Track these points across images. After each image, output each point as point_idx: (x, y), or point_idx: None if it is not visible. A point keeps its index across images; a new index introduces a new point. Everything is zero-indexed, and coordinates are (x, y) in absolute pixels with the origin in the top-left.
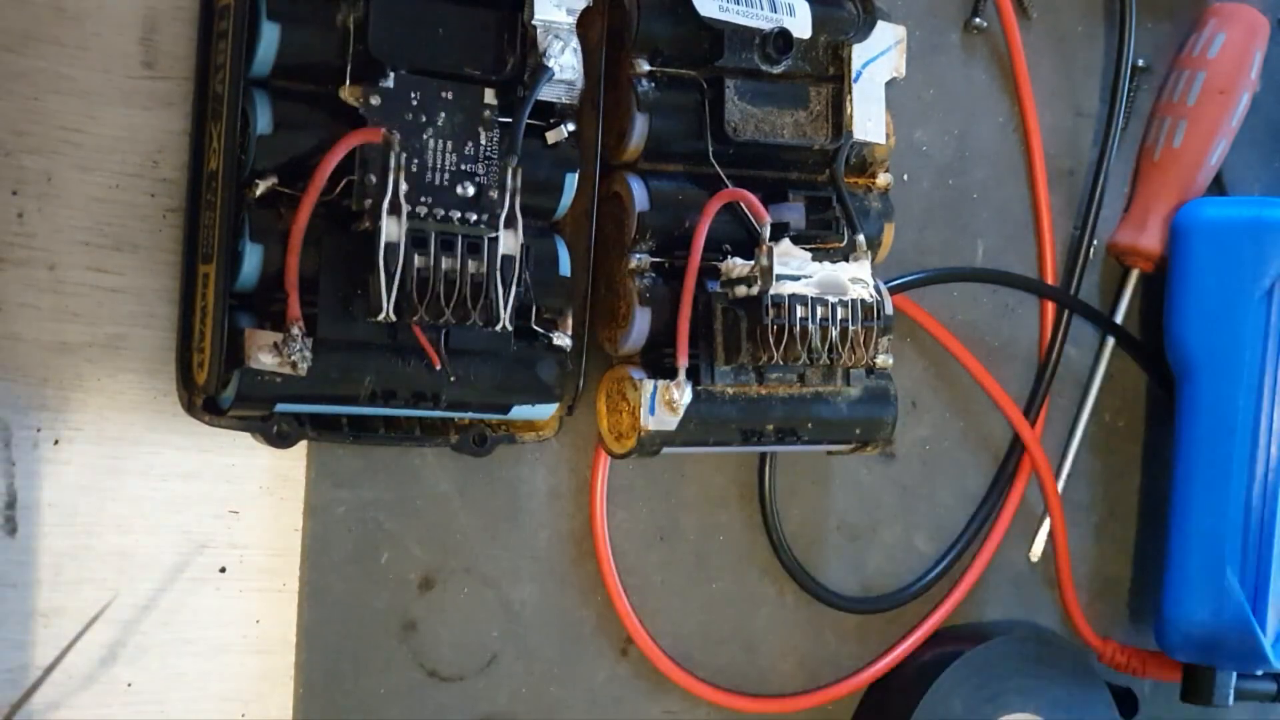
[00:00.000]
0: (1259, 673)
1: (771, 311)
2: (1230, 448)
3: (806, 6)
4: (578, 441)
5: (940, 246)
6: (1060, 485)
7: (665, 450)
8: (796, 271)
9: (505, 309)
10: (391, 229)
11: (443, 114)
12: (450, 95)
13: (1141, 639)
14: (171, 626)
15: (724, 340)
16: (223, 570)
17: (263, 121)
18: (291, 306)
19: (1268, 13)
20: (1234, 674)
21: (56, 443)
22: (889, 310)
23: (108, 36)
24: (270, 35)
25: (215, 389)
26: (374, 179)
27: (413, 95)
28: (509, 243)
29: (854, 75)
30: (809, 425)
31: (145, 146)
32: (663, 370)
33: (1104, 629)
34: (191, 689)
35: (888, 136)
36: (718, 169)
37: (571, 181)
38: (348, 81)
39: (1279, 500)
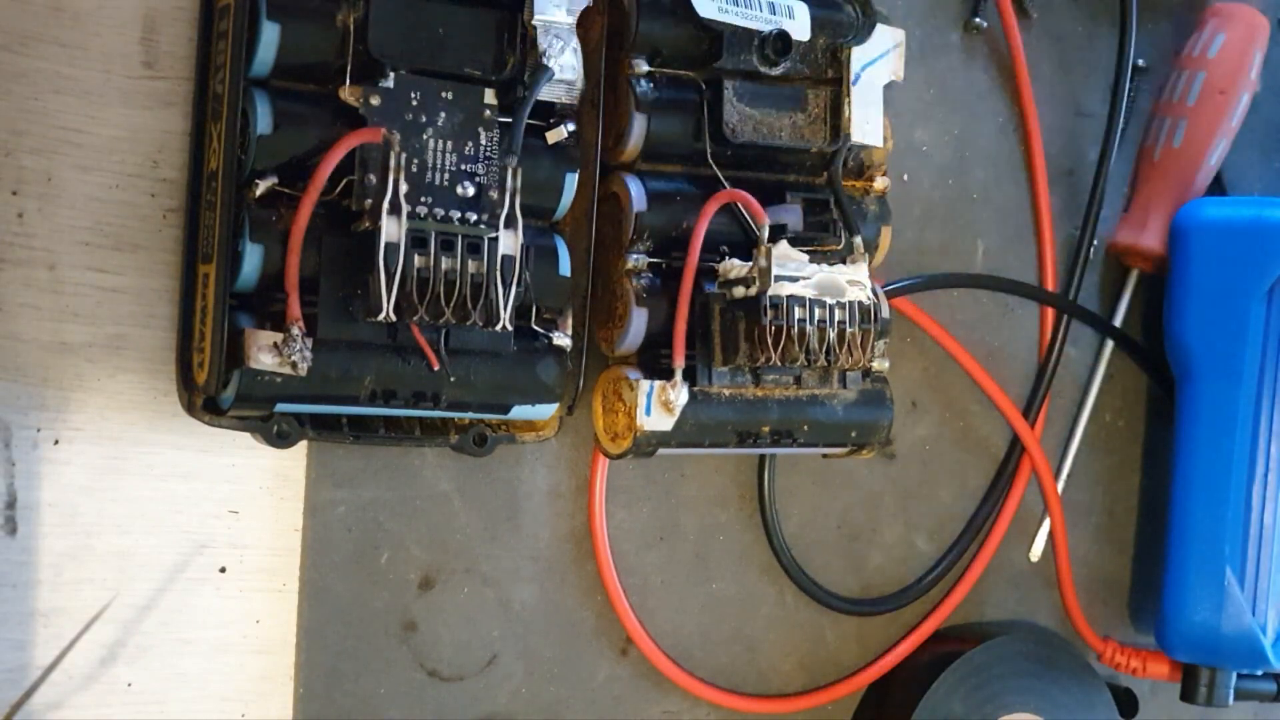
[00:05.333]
0: (1259, 673)
1: (769, 313)
2: (1230, 448)
3: (805, 9)
4: (577, 441)
5: (940, 247)
6: (1060, 485)
7: (661, 451)
8: (794, 273)
9: (505, 309)
10: (391, 229)
11: (443, 114)
12: (450, 95)
13: (1141, 639)
14: (171, 626)
15: (721, 341)
16: (223, 570)
17: (263, 121)
18: (291, 306)
19: (1268, 13)
20: (1234, 674)
21: (56, 443)
22: (885, 313)
23: (108, 36)
24: (270, 35)
25: (215, 389)
26: (374, 179)
27: (413, 95)
28: (509, 243)
29: (852, 78)
30: (805, 428)
31: (145, 146)
32: (659, 371)
33: (1104, 629)
34: (192, 689)
35: (886, 140)
36: (716, 170)
37: (571, 181)
38: (348, 81)
39: (1279, 500)
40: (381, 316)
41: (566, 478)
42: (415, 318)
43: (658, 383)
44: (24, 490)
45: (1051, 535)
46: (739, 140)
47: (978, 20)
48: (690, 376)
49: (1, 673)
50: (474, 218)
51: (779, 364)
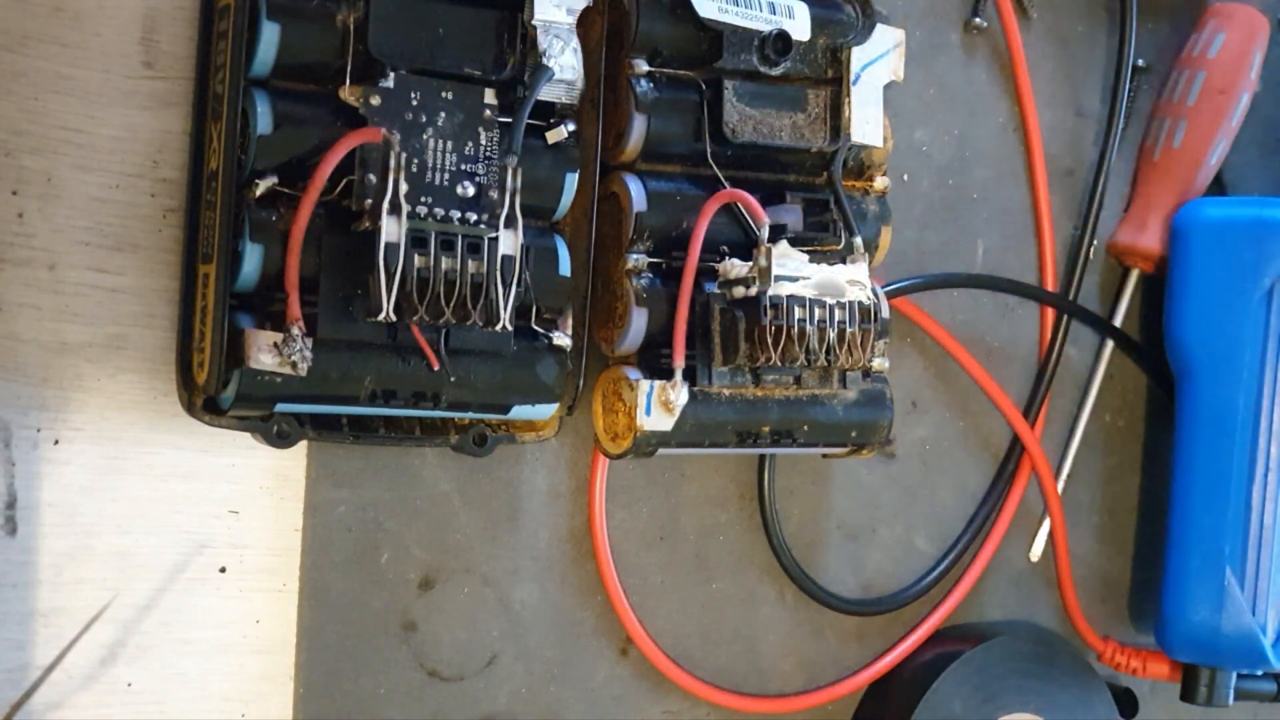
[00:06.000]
0: (1259, 673)
1: (770, 312)
2: (1230, 448)
3: (805, 9)
4: (577, 441)
5: (940, 247)
6: (1060, 485)
7: (661, 451)
8: (794, 273)
9: (505, 309)
10: (391, 229)
11: (443, 114)
12: (450, 95)
13: (1141, 639)
14: (171, 626)
15: (721, 341)
16: (223, 570)
17: (263, 121)
18: (291, 306)
19: (1268, 13)
20: (1234, 674)
21: (56, 443)
22: (885, 313)
23: (108, 36)
24: (270, 35)
25: (215, 389)
26: (374, 179)
27: (413, 95)
28: (509, 243)
29: (852, 78)
30: (805, 428)
31: (145, 146)
32: (659, 371)
33: (1104, 629)
34: (192, 689)
35: (885, 139)
36: (716, 170)
37: (571, 181)
38: (348, 81)
39: (1279, 500)
40: (381, 316)
41: (566, 478)
42: (415, 318)
43: (658, 383)
44: (24, 490)
45: (1051, 535)
46: (739, 140)
47: (978, 20)
48: (690, 376)
49: (1, 673)
50: (474, 218)
51: (779, 364)
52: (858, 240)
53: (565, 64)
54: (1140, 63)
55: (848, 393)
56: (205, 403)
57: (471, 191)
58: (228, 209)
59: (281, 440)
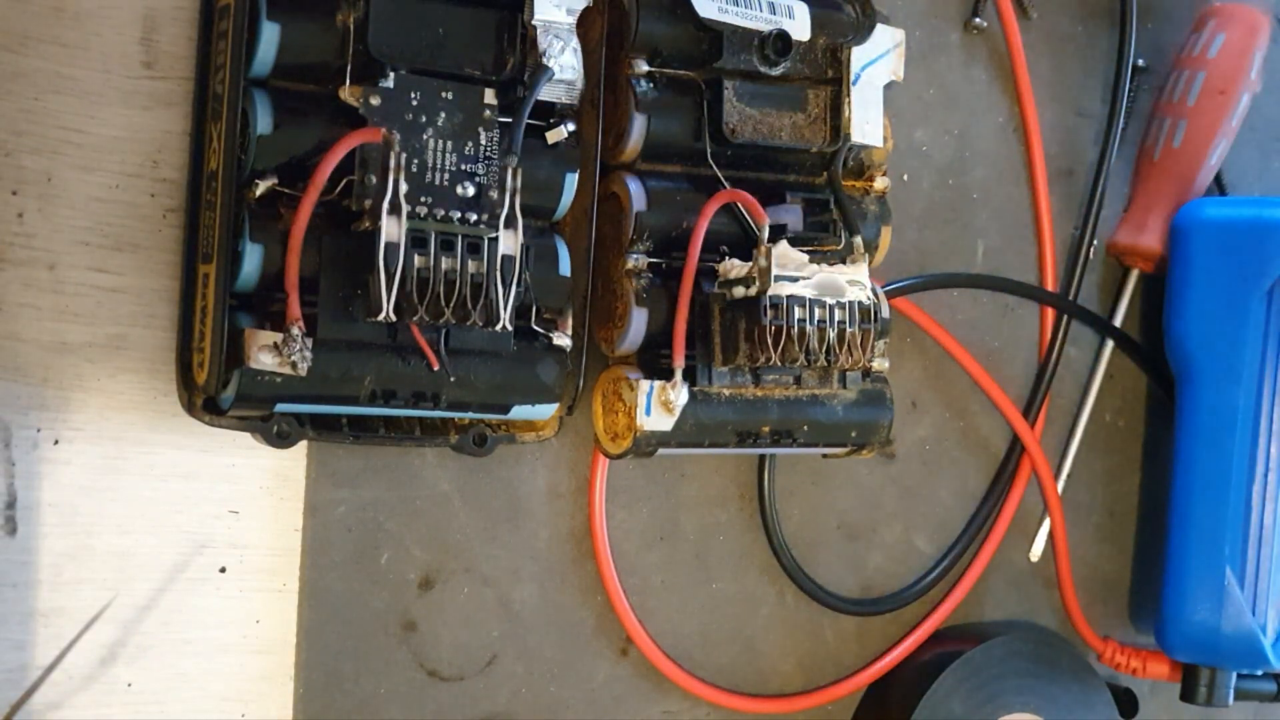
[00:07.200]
0: (1259, 673)
1: (770, 312)
2: (1230, 448)
3: (805, 9)
4: (577, 441)
5: (940, 247)
6: (1060, 485)
7: (661, 451)
8: (794, 273)
9: (505, 309)
10: (391, 229)
11: (443, 114)
12: (450, 95)
13: (1141, 639)
14: (171, 626)
15: (721, 341)
16: (223, 570)
17: (263, 121)
18: (291, 307)
19: (1268, 13)
20: (1234, 674)
21: (56, 443)
22: (885, 313)
23: (108, 36)
24: (270, 35)
25: (215, 389)
26: (374, 179)
27: (413, 95)
28: (509, 243)
29: (852, 78)
30: (805, 428)
31: (145, 146)
32: (659, 371)
33: (1104, 629)
34: (192, 689)
35: (885, 140)
36: (716, 170)
37: (571, 181)
38: (348, 81)
39: (1279, 500)
40: (381, 316)
41: (566, 478)
42: (415, 318)
43: (658, 383)
44: (24, 490)
45: (1051, 535)
46: (739, 140)
47: (978, 20)
48: (690, 376)
49: (1, 673)
50: (474, 218)
51: (779, 364)
52: (858, 240)
53: (565, 64)
54: (1140, 63)
55: (847, 393)
56: (205, 403)
57: (471, 191)
58: (228, 209)
59: (281, 440)
